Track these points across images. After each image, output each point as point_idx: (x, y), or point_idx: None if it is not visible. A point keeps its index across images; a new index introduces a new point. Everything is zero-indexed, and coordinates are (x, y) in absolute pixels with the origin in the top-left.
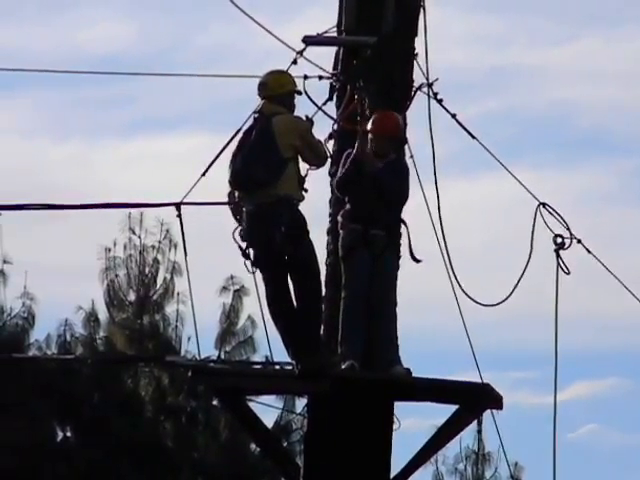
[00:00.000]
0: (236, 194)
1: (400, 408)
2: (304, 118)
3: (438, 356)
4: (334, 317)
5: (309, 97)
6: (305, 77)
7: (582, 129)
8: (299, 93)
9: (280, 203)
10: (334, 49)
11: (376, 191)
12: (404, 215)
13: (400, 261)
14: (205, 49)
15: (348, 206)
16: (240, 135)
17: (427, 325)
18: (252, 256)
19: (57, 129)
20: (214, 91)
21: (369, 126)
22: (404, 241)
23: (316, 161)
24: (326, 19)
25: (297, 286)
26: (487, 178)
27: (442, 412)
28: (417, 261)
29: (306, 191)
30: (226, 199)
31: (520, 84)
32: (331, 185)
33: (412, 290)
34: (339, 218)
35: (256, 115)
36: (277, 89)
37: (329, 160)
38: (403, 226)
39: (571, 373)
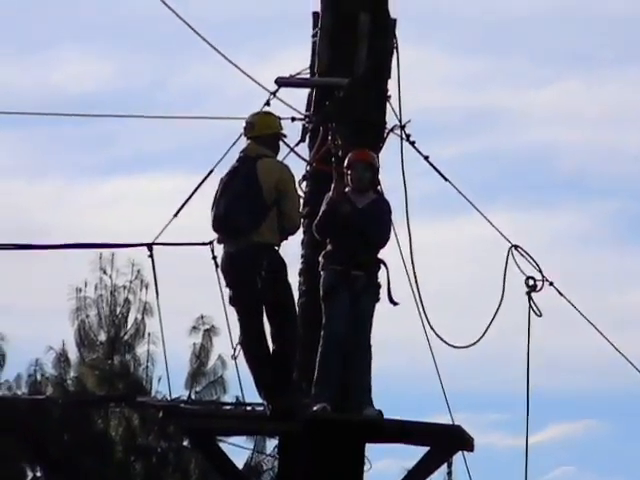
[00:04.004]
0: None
1: (371, 450)
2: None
3: (410, 398)
4: (306, 357)
5: (282, 139)
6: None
7: (559, 172)
8: (284, 136)
9: (261, 249)
10: (308, 91)
11: (356, 232)
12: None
13: (377, 303)
14: (183, 90)
15: (329, 247)
16: (224, 176)
17: (399, 367)
18: (229, 296)
19: (34, 169)
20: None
21: (345, 162)
22: (383, 282)
23: (287, 225)
24: (306, 61)
25: (275, 329)
26: (460, 220)
27: (413, 454)
28: (395, 304)
29: (286, 238)
30: (197, 240)
31: (498, 127)
32: (303, 226)
33: (384, 331)
34: (320, 259)
35: (242, 154)
36: (264, 130)
37: (302, 205)
38: (383, 267)
39: (545, 415)
